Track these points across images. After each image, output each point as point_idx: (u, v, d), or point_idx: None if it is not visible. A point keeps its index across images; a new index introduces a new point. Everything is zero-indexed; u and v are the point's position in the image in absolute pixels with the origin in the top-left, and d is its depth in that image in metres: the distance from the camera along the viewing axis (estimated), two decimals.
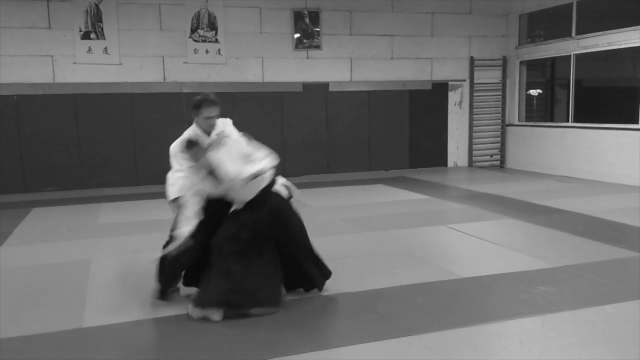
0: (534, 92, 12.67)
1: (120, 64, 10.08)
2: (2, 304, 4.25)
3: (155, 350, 3.41)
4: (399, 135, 12.03)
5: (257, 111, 10.94)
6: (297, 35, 11.07)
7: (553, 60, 11.92)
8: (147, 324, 3.80)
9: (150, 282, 4.69)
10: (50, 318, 3.92)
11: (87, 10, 9.82)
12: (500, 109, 12.53)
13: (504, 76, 12.43)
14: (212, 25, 10.52)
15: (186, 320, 3.82)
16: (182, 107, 10.48)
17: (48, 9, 9.67)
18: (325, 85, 11.37)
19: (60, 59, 9.82)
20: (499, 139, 12.61)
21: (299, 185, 10.07)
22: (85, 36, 9.86)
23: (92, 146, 10.08)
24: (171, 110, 10.43)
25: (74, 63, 9.87)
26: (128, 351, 3.39)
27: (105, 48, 9.97)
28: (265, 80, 10.99)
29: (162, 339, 3.60)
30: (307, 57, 11.22)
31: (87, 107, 10.01)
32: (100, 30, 9.91)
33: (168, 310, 4.00)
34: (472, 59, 12.24)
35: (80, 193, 9.60)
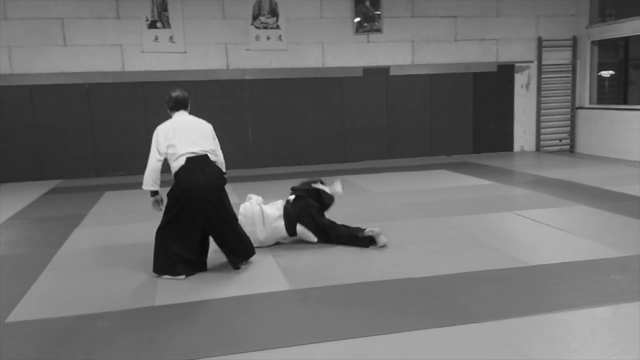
0: (605, 73, 12.10)
1: (185, 52, 10.33)
2: (78, 282, 4.48)
3: (219, 328, 3.51)
4: (462, 120, 11.78)
5: (317, 96, 10.97)
6: (357, 19, 10.99)
7: (626, 40, 11.34)
8: (214, 303, 3.92)
9: (216, 262, 4.83)
10: (123, 296, 4.11)
11: (153, 0, 10.09)
12: (569, 91, 12.05)
13: (574, 57, 11.92)
14: (274, 12, 10.59)
15: (253, 299, 3.91)
16: (244, 93, 10.67)
17: None
18: (386, 69, 11.25)
19: (129, 48, 10.15)
20: (569, 122, 12.13)
21: (360, 171, 10.10)
22: (152, 25, 10.15)
23: None
24: (234, 97, 10.62)
25: (142, 52, 10.19)
26: (196, 329, 3.50)
27: (171, 37, 10.23)
28: (325, 66, 10.99)
29: (224, 317, 3.69)
30: (368, 41, 11.13)
31: (154, 94, 10.29)
32: (166, 19, 10.18)
33: (237, 290, 4.11)
34: (540, 40, 11.79)
35: None
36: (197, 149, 4.51)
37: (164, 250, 4.50)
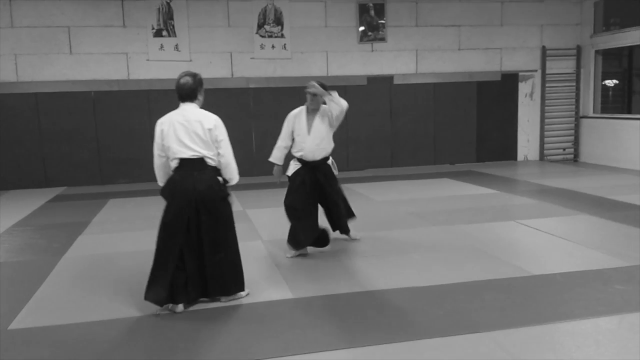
0: (609, 82, 12.09)
1: (191, 61, 10.37)
2: (81, 290, 4.49)
3: (222, 336, 3.50)
4: (466, 128, 11.78)
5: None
6: (361, 28, 11.03)
7: (630, 49, 11.34)
8: (217, 311, 3.91)
9: None
10: (126, 304, 4.11)
11: (159, 9, 10.16)
12: (573, 100, 12.04)
13: (578, 66, 11.92)
14: (278, 21, 10.64)
15: (257, 307, 3.91)
16: (249, 102, 10.70)
17: (122, 8, 10.07)
18: (390, 77, 11.27)
19: (134, 56, 10.21)
20: (573, 131, 12.11)
21: (363, 179, 10.10)
22: (158, 34, 10.21)
23: None
24: (238, 105, 10.65)
25: (147, 60, 10.25)
26: (198, 337, 3.50)
27: (176, 45, 10.29)
28: (329, 74, 11.02)
29: (227, 325, 3.69)
30: (372, 50, 11.17)
31: (160, 102, 10.34)
32: (171, 27, 10.24)
33: (244, 298, 4.11)
34: (544, 49, 11.80)
35: (152, 185, 9.93)
36: (190, 153, 4.01)
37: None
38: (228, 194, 4.18)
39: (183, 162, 4.04)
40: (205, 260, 3.98)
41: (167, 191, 4.14)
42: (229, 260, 4.06)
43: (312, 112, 5.29)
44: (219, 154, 4.12)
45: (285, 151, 5.46)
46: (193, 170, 4.01)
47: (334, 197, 5.31)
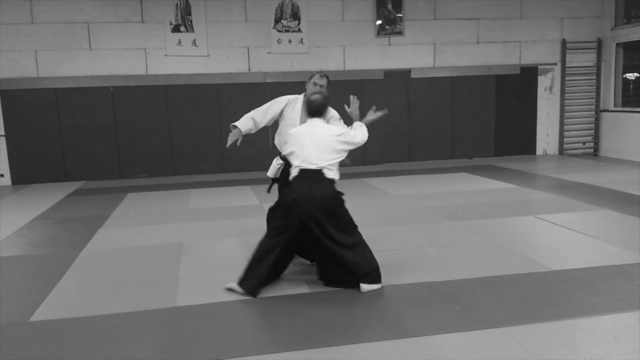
0: (630, 76, 11.89)
1: (208, 56, 10.42)
2: (101, 282, 4.55)
3: (242, 329, 3.53)
4: (484, 122, 11.69)
5: (338, 99, 10.95)
6: (379, 22, 10.98)
7: None
8: (235, 304, 3.95)
9: (238, 264, 4.86)
10: (145, 297, 4.16)
11: (177, 4, 10.21)
12: (594, 93, 11.87)
13: (599, 59, 11.75)
14: (295, 15, 10.64)
15: (274, 301, 3.93)
16: (265, 96, 10.71)
17: (141, 3, 10.14)
18: (407, 71, 11.22)
19: (153, 51, 10.28)
20: (593, 125, 11.95)
21: (380, 173, 10.07)
22: (176, 29, 10.27)
23: (182, 135, 10.53)
24: (255, 100, 10.63)
25: (165, 55, 10.31)
26: (217, 330, 3.53)
27: (194, 40, 10.34)
28: (346, 69, 10.99)
29: (248, 319, 3.72)
30: (389, 44, 11.11)
31: (177, 97, 10.44)
32: (189, 23, 10.29)
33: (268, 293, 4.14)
34: (564, 42, 11.65)
35: (171, 179, 10.06)
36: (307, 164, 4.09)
37: None
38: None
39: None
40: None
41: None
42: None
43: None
44: None
45: (253, 128, 4.82)
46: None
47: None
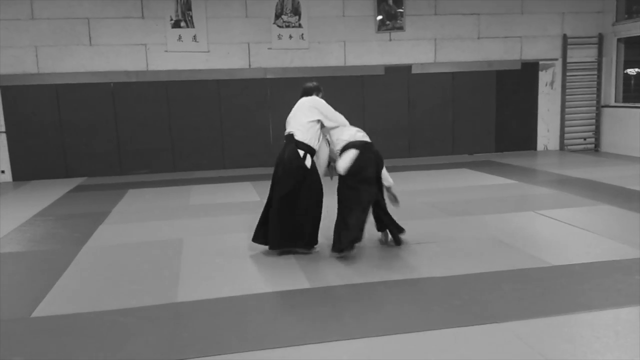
0: (631, 71, 11.87)
1: (209, 51, 10.41)
2: (102, 278, 4.56)
3: (242, 325, 3.54)
4: (485, 118, 11.68)
5: (338, 95, 10.95)
6: (379, 17, 10.96)
7: None
8: (236, 300, 3.95)
9: (238, 260, 4.87)
10: (146, 292, 4.16)
11: (177, 0, 10.18)
12: (595, 89, 11.85)
13: (600, 54, 11.72)
14: (296, 11, 10.62)
15: (274, 297, 3.94)
16: (266, 92, 10.71)
17: None
18: (408, 67, 11.20)
19: (153, 47, 10.27)
20: (594, 120, 11.94)
21: None
22: (176, 25, 10.25)
23: (182, 131, 10.52)
24: (256, 96, 10.68)
25: (166, 51, 10.30)
26: (218, 325, 3.54)
27: (195, 36, 10.32)
28: (347, 64, 10.98)
29: (251, 314, 3.72)
30: (390, 39, 11.09)
31: (178, 93, 10.43)
32: (189, 18, 10.27)
33: (258, 287, 4.15)
34: (565, 37, 11.62)
35: (171, 175, 10.06)
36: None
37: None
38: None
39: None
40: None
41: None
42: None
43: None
44: None
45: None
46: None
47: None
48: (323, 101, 5.10)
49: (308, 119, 4.94)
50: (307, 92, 5.24)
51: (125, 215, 6.92)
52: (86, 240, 5.75)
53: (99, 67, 10.13)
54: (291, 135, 4.92)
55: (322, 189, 4.96)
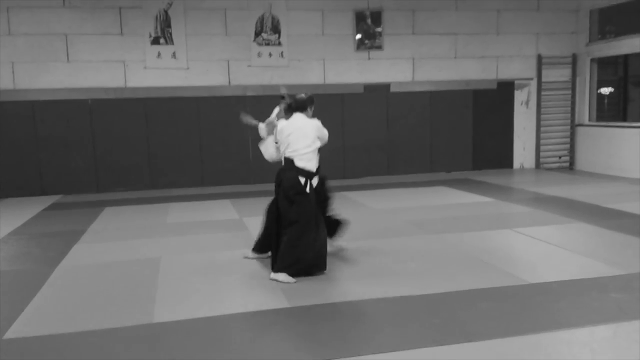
0: (605, 90, 12.15)
1: (188, 69, 10.39)
2: (77, 299, 4.48)
3: (223, 346, 3.50)
4: (462, 136, 11.82)
5: (318, 113, 10.95)
6: (358, 36, 11.08)
7: (625, 57, 11.42)
8: (216, 320, 3.91)
9: (217, 279, 4.82)
10: (122, 313, 4.10)
11: (156, 16, 10.18)
12: (569, 108, 12.10)
13: (574, 74, 11.99)
14: (276, 29, 10.68)
15: (252, 317, 3.91)
16: (245, 109, 10.71)
17: (120, 15, 10.10)
18: (387, 86, 11.31)
19: (132, 64, 10.22)
20: (568, 139, 12.16)
21: (360, 187, 10.10)
22: (155, 41, 10.23)
23: (161, 148, 10.44)
24: (235, 113, 10.65)
25: (145, 68, 10.26)
26: (196, 346, 3.49)
27: (174, 53, 10.31)
28: (326, 82, 11.05)
29: (230, 334, 3.68)
30: (369, 58, 11.21)
31: (157, 110, 10.37)
32: (169, 35, 10.26)
33: (237, 307, 4.11)
34: (539, 57, 11.87)
35: (149, 193, 9.97)
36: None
37: None
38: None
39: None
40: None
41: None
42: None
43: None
44: None
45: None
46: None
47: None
48: (322, 127, 5.14)
49: (311, 148, 4.94)
50: (301, 106, 5.20)
51: (101, 234, 6.82)
52: (61, 259, 5.65)
53: (76, 84, 10.04)
54: (291, 161, 4.90)
55: (313, 213, 4.86)
